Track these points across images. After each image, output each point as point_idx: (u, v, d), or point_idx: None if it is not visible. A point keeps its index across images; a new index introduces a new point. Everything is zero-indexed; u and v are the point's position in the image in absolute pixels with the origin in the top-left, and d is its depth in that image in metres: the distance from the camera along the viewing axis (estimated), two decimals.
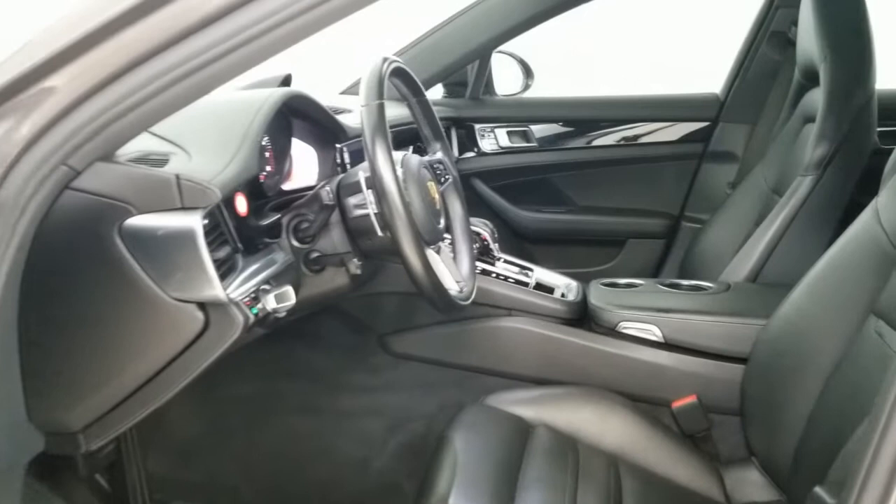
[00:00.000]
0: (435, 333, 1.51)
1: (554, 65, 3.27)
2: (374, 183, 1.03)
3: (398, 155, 1.18)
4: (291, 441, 1.55)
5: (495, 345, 1.53)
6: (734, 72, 2.25)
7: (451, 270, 1.23)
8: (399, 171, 1.13)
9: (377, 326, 1.58)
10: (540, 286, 1.64)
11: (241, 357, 1.10)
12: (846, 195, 1.68)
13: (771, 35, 2.17)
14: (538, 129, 2.37)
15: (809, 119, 1.82)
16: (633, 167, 2.34)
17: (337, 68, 2.66)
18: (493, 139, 2.37)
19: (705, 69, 2.55)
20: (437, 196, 1.21)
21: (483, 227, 1.61)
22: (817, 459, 1.06)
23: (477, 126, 2.36)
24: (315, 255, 1.14)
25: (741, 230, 1.93)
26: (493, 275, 1.58)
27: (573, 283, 1.66)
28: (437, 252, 1.23)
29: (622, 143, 2.35)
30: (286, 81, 1.59)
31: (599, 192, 2.37)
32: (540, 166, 2.37)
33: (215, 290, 0.89)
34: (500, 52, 2.43)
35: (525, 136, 2.37)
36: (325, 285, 1.16)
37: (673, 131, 2.32)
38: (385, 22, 2.49)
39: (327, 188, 1.16)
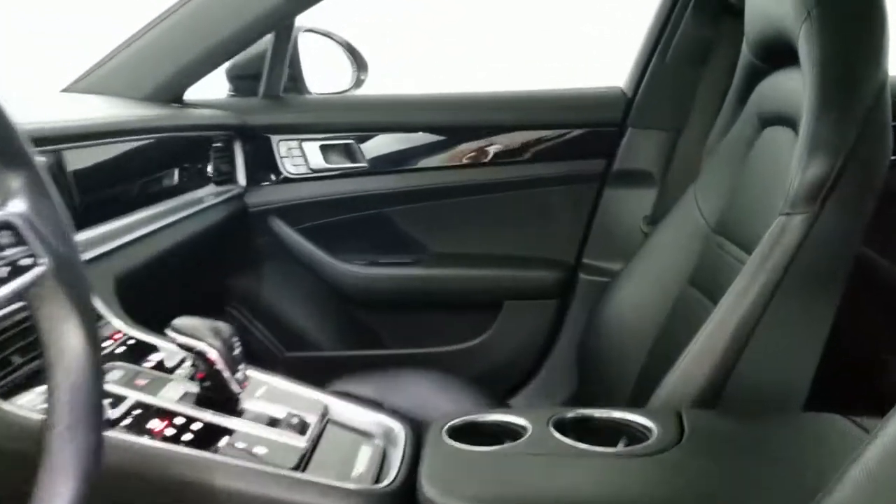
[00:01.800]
0: None
1: (403, 49, 2.48)
2: None
3: None
4: None
5: None
6: (645, 55, 1.56)
7: None
8: None
9: None
10: (332, 441, 0.85)
11: None
12: (857, 241, 1.00)
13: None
14: (370, 144, 1.60)
15: (770, 119, 1.14)
16: (509, 196, 1.62)
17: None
18: (302, 158, 1.58)
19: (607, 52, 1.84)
20: None
21: (209, 341, 0.81)
22: None
23: (276, 139, 1.57)
24: None
25: (670, 291, 1.24)
26: (224, 443, 0.78)
27: (397, 430, 0.89)
28: None
29: (492, 160, 1.60)
30: None
31: (462, 234, 1.63)
32: (372, 197, 1.61)
33: None
34: (312, 31, 1.67)
35: (349, 152, 1.60)
36: None
37: (561, 143, 1.60)
38: None
39: None
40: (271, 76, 1.58)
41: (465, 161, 1.61)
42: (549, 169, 1.60)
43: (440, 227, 1.63)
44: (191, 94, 1.45)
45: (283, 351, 1.62)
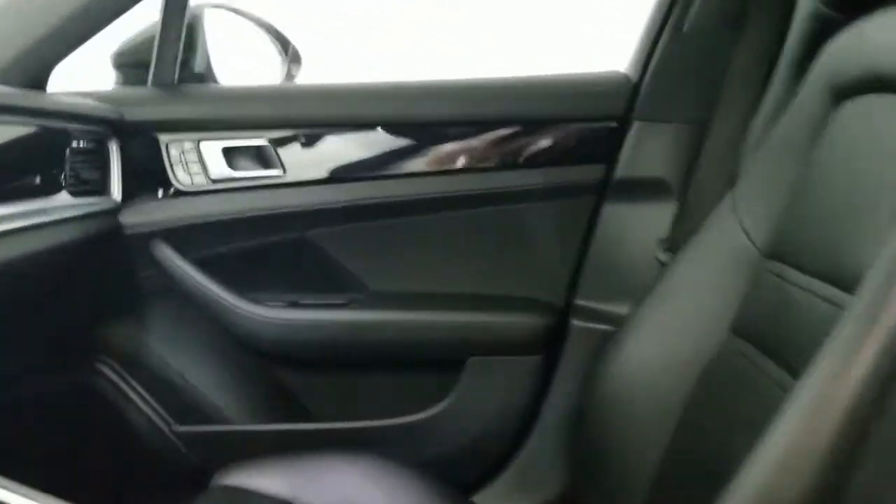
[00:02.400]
0: None
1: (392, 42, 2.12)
2: None
3: None
4: None
5: None
6: (656, 25, 1.18)
7: None
8: None
9: None
10: None
11: None
12: None
13: None
14: (289, 147, 1.21)
15: (854, 87, 0.78)
16: (474, 215, 1.22)
17: None
18: (198, 164, 1.19)
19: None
20: None
21: None
22: None
23: (165, 139, 1.19)
24: None
25: (704, 343, 0.85)
26: None
27: None
28: None
29: (452, 167, 1.21)
30: None
31: (411, 266, 1.24)
32: (292, 216, 1.21)
33: None
34: (221, 7, 1.31)
35: (261, 157, 1.21)
36: None
37: (546, 143, 1.21)
38: None
39: None
40: (162, 61, 1.21)
41: (415, 169, 1.21)
42: (529, 178, 1.20)
43: (382, 256, 1.23)
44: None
45: (170, 423, 1.20)
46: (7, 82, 1.01)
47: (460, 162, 1.20)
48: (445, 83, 1.22)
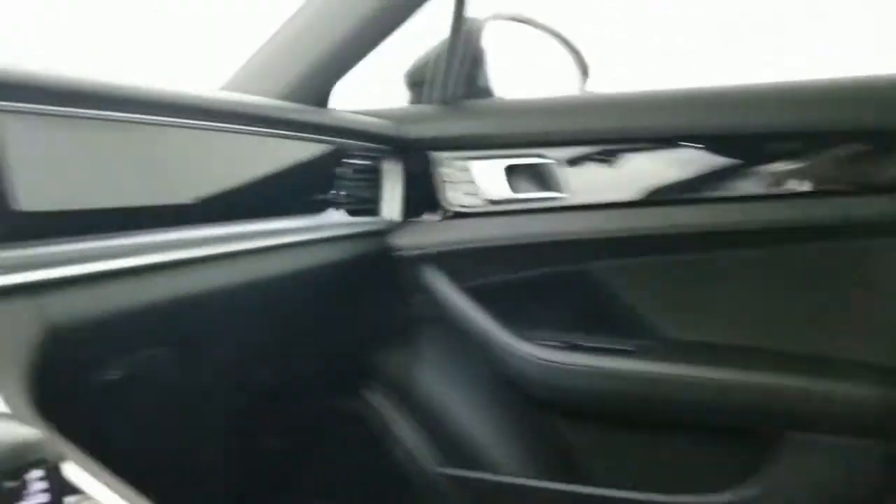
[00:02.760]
0: None
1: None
2: None
3: None
4: None
5: None
6: None
7: None
8: None
9: None
10: None
11: None
12: None
13: None
14: (576, 166, 1.05)
15: None
16: (804, 251, 0.97)
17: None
18: (472, 185, 1.08)
19: None
20: None
21: None
22: None
23: (439, 157, 1.10)
24: None
25: None
26: None
27: None
28: None
29: (775, 191, 0.98)
30: None
31: (718, 311, 1.01)
32: (574, 244, 1.05)
33: None
34: (506, 18, 1.21)
35: (540, 176, 1.07)
36: None
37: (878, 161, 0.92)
38: None
39: None
40: (444, 77, 1.13)
41: (728, 192, 0.99)
42: (884, 206, 0.92)
43: (681, 297, 1.02)
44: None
45: (433, 462, 1.11)
46: (293, 99, 0.99)
47: (790, 185, 0.96)
48: (769, 87, 0.98)
